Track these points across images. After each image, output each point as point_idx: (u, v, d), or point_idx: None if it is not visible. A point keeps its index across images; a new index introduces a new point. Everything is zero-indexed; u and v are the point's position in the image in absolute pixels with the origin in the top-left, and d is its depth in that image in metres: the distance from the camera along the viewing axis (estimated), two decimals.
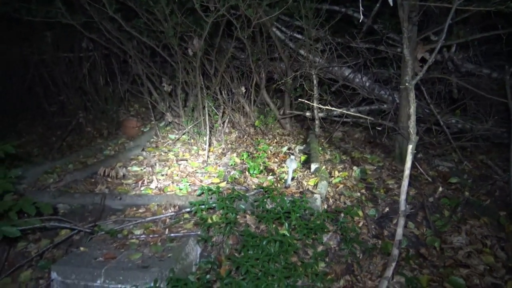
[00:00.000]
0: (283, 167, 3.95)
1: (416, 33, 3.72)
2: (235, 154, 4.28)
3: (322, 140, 4.56)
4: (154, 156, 4.43)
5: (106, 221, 3.20)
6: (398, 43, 4.37)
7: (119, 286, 2.49)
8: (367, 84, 4.74)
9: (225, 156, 4.29)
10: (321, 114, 4.72)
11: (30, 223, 2.93)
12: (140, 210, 3.34)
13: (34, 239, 3.22)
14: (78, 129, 5.44)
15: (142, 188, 3.69)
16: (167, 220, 3.16)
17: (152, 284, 2.43)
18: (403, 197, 2.81)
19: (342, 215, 3.17)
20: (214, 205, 3.11)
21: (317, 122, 4.68)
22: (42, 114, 5.93)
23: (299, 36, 4.77)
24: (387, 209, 3.33)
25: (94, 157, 4.55)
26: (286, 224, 2.94)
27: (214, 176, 3.84)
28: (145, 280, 2.46)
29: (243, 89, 4.89)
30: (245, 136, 4.79)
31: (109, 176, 3.89)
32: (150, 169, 4.08)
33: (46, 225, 3.11)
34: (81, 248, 2.83)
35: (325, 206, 3.28)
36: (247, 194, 3.27)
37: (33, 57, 5.49)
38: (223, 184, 3.63)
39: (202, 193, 3.28)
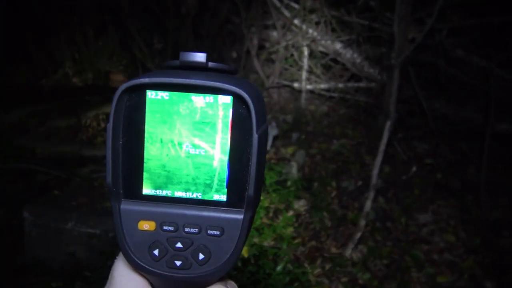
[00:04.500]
0: None
1: (410, 13, 3.72)
2: None
3: (307, 113, 4.59)
4: None
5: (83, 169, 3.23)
6: (394, 22, 4.35)
7: (90, 230, 2.54)
8: (358, 61, 4.73)
9: None
10: (309, 87, 4.73)
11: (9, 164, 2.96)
12: None
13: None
14: (63, 79, 5.39)
15: None
16: None
17: None
18: (375, 171, 2.89)
19: (316, 184, 3.24)
20: None
21: (303, 94, 4.69)
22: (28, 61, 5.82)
23: (295, 5, 4.71)
24: (360, 183, 3.40)
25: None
26: None
27: None
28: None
29: (234, 54, 4.86)
30: None
31: (90, 127, 3.89)
32: None
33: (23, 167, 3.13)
34: (55, 192, 2.87)
35: (301, 174, 3.35)
36: None
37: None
38: None
39: None
